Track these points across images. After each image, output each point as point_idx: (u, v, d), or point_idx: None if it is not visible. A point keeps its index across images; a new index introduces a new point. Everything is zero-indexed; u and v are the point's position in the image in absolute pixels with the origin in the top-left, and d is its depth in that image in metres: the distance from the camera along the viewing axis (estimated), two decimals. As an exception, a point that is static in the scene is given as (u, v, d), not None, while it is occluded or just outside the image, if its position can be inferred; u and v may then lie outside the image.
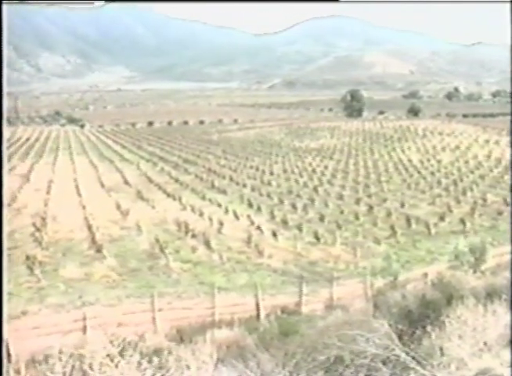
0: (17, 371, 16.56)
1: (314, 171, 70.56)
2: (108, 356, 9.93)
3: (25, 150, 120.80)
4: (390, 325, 11.86)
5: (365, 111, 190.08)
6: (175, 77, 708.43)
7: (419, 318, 13.45)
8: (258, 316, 22.33)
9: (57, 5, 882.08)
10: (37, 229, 40.19)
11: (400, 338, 11.33)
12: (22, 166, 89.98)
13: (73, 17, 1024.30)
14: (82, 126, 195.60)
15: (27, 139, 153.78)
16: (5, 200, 55.02)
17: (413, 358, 10.35)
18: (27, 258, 32.50)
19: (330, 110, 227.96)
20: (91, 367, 9.47)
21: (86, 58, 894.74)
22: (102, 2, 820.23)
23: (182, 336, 19.50)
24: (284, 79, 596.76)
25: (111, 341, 10.98)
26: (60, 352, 13.26)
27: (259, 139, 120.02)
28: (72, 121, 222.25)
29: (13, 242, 38.64)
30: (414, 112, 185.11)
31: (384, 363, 10.46)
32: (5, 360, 16.95)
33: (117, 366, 9.15)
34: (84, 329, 20.65)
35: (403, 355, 10.35)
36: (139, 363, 9.45)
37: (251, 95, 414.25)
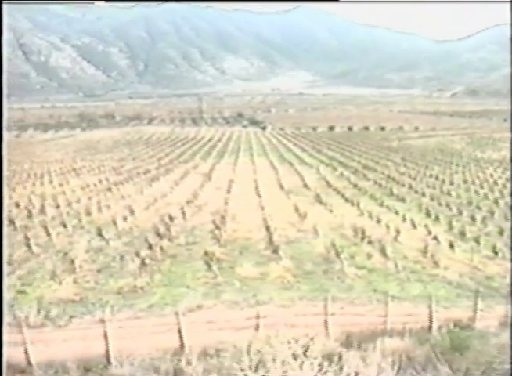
0: (188, 362, 17.10)
1: (495, 182, 68.33)
2: (293, 355, 10.14)
3: (208, 150, 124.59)
4: None
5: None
6: (357, 82, 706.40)
7: None
8: (430, 327, 21.91)
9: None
10: (217, 227, 41.32)
11: None
12: (204, 165, 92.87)
13: (258, 21, 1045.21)
14: (264, 128, 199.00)
15: (210, 139, 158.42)
16: (185, 198, 57.02)
17: None
18: (206, 254, 33.59)
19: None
20: (273, 365, 9.70)
21: (269, 61, 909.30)
22: (102, 2, 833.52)
23: (352, 342, 19.46)
24: (467, 87, 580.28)
25: (288, 342, 11.21)
26: (235, 347, 13.65)
27: (440, 148, 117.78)
28: (254, 122, 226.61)
29: (193, 238, 39.99)
30: None
31: None
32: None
33: (300, 366, 9.33)
34: (257, 327, 20.99)
35: None
36: (320, 365, 9.59)
37: (433, 102, 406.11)
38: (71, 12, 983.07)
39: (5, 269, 28.75)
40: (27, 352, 18.64)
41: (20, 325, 19.87)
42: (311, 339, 17.81)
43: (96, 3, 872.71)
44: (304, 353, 10.94)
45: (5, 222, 46.05)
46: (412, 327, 21.45)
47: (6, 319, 19.21)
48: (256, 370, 11.74)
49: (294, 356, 10.69)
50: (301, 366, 9.25)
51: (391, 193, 60.71)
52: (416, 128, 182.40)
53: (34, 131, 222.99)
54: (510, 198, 55.40)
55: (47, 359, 18.40)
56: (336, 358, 15.29)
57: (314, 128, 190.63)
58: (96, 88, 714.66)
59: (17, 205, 55.89)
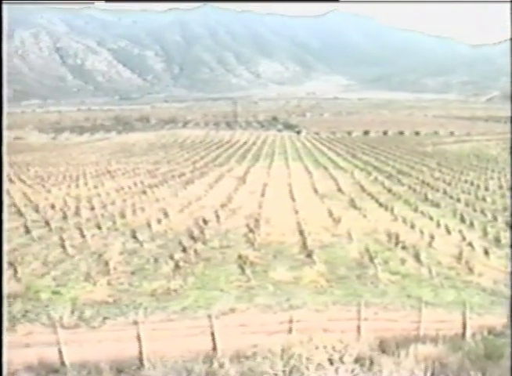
0: (221, 365, 17.16)
1: (531, 188, 67.70)
2: (326, 360, 10.13)
3: (242, 153, 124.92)
4: None
5: None
6: (392, 86, 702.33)
7: None
8: (464, 334, 21.71)
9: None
10: (251, 231, 41.32)
11: None
12: (239, 168, 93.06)
13: (293, 25, 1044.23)
14: (298, 132, 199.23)
15: (244, 143, 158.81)
16: (219, 201, 57.12)
17: None
18: (239, 257, 33.58)
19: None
20: (307, 370, 9.70)
21: (304, 65, 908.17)
22: (103, 2, 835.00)
23: (385, 347, 19.36)
24: (503, 92, 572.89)
25: (319, 347, 11.19)
26: (269, 351, 13.64)
27: (475, 153, 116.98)
28: (288, 126, 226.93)
29: (227, 241, 40.02)
30: None
31: None
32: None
33: (335, 371, 9.33)
34: (290, 331, 20.94)
35: None
36: (353, 371, 9.57)
37: (468, 107, 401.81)
38: (108, 16, 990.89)
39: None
40: (60, 353, 18.80)
41: (55, 325, 20.06)
42: (344, 344, 17.79)
43: (96, 3, 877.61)
44: (337, 359, 10.93)
45: (40, 224, 46.58)
46: (445, 334, 21.28)
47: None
48: (290, 374, 11.74)
49: (328, 361, 10.67)
50: (336, 371, 9.24)
51: (426, 199, 60.32)
52: (451, 133, 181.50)
53: (70, 133, 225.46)
54: (510, 201, 55.24)
55: (80, 360, 18.55)
56: (369, 363, 15.26)
57: (349, 133, 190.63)
58: (132, 91, 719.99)
59: (53, 207, 56.45)
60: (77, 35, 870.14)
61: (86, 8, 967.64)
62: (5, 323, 17.82)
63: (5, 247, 31.42)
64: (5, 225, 41.44)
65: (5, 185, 65.13)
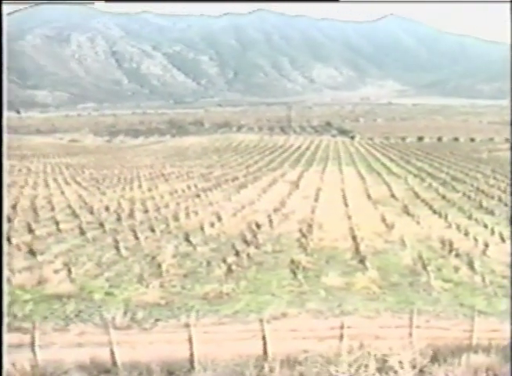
0: (271, 370, 17.21)
1: None
2: (379, 368, 10.15)
3: (296, 158, 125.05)
4: None
5: None
6: (447, 92, 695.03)
7: None
8: (517, 344, 21.43)
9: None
10: (303, 236, 41.24)
11: None
12: (292, 173, 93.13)
13: (347, 30, 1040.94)
14: (352, 137, 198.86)
15: (298, 148, 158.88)
16: (272, 205, 57.13)
17: None
18: (292, 262, 33.52)
19: None
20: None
21: (358, 71, 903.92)
22: (103, 2, 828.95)
23: (437, 356, 19.20)
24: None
25: (373, 354, 11.21)
26: (321, 356, 13.66)
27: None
28: (342, 132, 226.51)
29: (279, 246, 39.99)
30: None
31: None
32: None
33: None
34: (341, 338, 20.86)
35: None
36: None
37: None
38: (163, 21, 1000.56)
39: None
40: (112, 353, 19.05)
41: (107, 326, 20.33)
42: (396, 352, 17.69)
43: (96, 3, 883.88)
44: (389, 366, 10.92)
45: (94, 226, 47.23)
46: (498, 344, 21.02)
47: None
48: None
49: (380, 369, 10.67)
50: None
51: (480, 206, 59.52)
52: (507, 140, 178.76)
53: (124, 136, 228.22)
54: (510, 200, 54.45)
55: (132, 361, 18.76)
56: (421, 372, 15.18)
57: (402, 138, 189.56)
58: (186, 95, 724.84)
59: (107, 209, 57.17)
60: (133, 39, 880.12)
61: (142, 12, 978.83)
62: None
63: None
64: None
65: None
